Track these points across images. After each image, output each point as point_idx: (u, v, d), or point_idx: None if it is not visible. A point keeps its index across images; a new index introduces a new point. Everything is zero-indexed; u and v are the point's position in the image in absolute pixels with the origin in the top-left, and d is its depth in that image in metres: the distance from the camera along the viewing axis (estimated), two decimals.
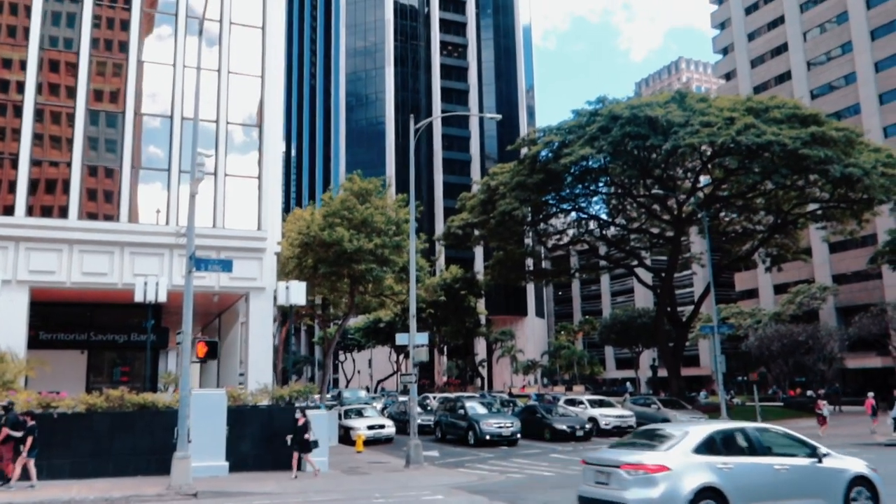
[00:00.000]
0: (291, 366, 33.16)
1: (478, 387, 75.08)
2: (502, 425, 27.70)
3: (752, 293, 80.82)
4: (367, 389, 76.59)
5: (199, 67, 19.47)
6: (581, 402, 33.45)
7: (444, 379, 79.81)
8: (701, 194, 43.83)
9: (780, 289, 73.82)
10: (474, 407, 29.29)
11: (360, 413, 32.35)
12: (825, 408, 32.20)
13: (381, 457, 24.21)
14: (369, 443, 28.39)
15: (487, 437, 27.28)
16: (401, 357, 75.07)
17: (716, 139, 32.58)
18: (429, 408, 35.82)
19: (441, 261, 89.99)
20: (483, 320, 71.18)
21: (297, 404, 20.36)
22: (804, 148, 32.34)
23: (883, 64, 67.96)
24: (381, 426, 30.38)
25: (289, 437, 18.59)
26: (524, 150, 41.70)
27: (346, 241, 26.43)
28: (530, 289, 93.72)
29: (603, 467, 10.42)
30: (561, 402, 34.20)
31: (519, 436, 28.05)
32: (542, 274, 54.04)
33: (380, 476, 18.79)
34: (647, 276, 60.79)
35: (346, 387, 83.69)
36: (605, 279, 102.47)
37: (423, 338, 21.85)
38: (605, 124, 36.46)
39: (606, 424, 31.26)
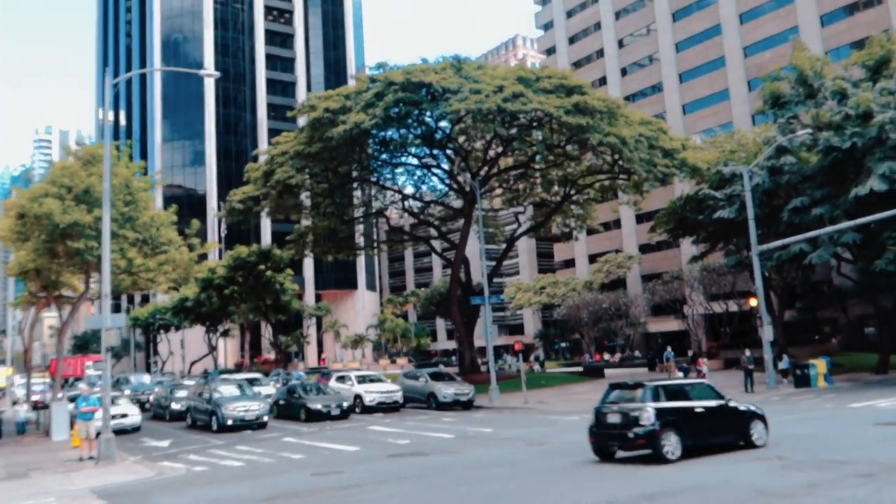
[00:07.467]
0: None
1: (296, 364, 72.93)
2: (247, 409, 26.02)
3: (570, 263, 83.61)
4: (181, 373, 72.71)
5: None
6: (349, 379, 32.39)
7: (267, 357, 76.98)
8: (485, 168, 43.87)
9: (594, 258, 76.61)
10: (220, 391, 27.34)
11: (112, 402, 29.62)
12: (704, 366, 35.31)
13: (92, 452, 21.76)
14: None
15: (230, 423, 25.54)
16: (214, 337, 71.38)
17: (481, 106, 32.11)
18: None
19: (268, 234, 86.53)
20: (302, 295, 68.85)
21: None
22: (566, 116, 32.59)
23: (682, 44, 71.49)
24: (124, 415, 27.88)
25: None
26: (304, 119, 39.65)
27: (56, 215, 23.34)
28: (361, 262, 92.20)
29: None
30: (332, 381, 32.96)
31: (266, 419, 26.50)
32: (346, 247, 52.64)
33: (34, 480, 16.45)
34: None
35: (162, 369, 78.90)
36: None
37: (118, 320, 19.58)
38: (382, 90, 35.19)
39: (371, 401, 30.35)
